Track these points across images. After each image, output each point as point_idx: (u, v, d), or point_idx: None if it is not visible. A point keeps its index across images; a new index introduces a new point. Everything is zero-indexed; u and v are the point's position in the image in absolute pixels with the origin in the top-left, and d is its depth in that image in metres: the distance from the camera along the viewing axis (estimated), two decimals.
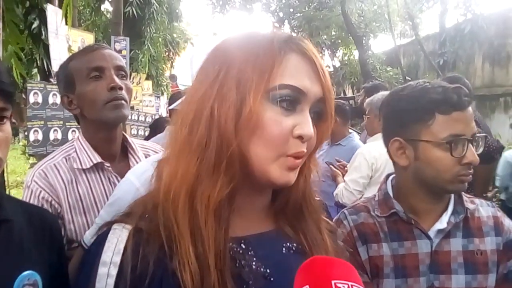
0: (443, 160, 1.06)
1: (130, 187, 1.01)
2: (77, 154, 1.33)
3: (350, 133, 3.53)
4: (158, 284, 0.64)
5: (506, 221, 1.18)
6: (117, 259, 0.65)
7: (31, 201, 1.24)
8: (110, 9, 10.82)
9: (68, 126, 3.65)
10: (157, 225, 0.67)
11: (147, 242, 0.66)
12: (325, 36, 14.52)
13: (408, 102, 1.11)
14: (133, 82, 7.36)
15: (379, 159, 2.67)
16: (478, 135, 1.10)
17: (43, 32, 4.17)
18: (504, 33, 8.23)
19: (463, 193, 1.18)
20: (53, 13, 3.88)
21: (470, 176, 1.09)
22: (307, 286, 0.57)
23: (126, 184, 1.06)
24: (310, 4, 14.33)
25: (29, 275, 0.83)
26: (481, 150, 1.13)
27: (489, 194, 3.53)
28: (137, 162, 1.35)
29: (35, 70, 6.07)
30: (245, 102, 0.65)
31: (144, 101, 8.42)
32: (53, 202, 1.26)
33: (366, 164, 2.70)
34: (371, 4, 13.64)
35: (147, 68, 12.33)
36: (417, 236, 1.12)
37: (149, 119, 6.61)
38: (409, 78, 9.98)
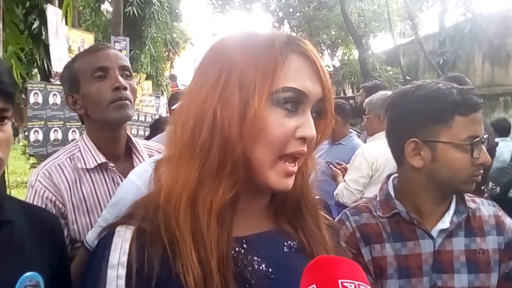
0: (460, 161, 1.06)
1: (132, 188, 1.01)
2: (81, 154, 1.33)
3: (351, 132, 3.53)
4: (163, 286, 0.64)
5: (507, 221, 1.18)
6: (124, 259, 0.65)
7: (35, 201, 1.23)
8: (110, 9, 10.82)
9: (69, 126, 3.65)
10: (159, 228, 0.67)
11: (151, 244, 0.66)
12: (324, 36, 14.52)
13: (427, 103, 1.09)
14: None
15: (379, 159, 2.67)
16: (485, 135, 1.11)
17: (43, 33, 4.17)
18: (503, 32, 8.23)
19: None
20: (53, 14, 3.89)
21: (480, 176, 1.09)
22: (314, 286, 0.57)
23: (128, 185, 1.06)
24: (310, 4, 14.33)
25: (30, 276, 0.83)
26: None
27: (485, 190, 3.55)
28: (141, 163, 1.35)
29: (35, 70, 6.07)
30: (249, 105, 0.65)
31: (144, 101, 8.43)
32: (57, 202, 1.26)
33: (366, 164, 2.70)
34: (370, 3, 13.63)
35: (149, 68, 12.33)
36: (419, 236, 1.12)
37: (149, 119, 6.61)
38: (409, 78, 9.98)
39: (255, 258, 0.71)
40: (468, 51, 9.01)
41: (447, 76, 3.11)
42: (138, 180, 1.03)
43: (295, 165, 0.70)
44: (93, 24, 12.60)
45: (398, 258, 1.10)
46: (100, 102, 1.28)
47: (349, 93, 13.95)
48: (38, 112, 3.40)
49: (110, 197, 1.29)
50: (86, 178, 1.31)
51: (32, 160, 5.71)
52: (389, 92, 3.05)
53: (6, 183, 3.91)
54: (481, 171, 1.09)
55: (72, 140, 3.31)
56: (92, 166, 1.31)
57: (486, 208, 1.19)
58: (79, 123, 1.75)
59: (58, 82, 3.55)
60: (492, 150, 3.05)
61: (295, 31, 14.37)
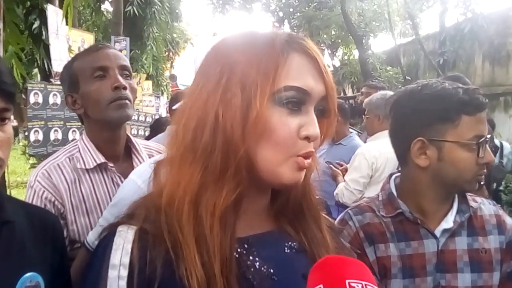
0: (466, 160, 1.07)
1: (133, 188, 1.01)
2: (80, 154, 1.32)
3: (351, 132, 3.54)
4: None
5: (508, 220, 1.19)
6: (126, 260, 0.65)
7: (34, 201, 1.23)
8: (110, 9, 10.81)
9: (69, 126, 3.65)
10: (161, 229, 0.67)
11: (154, 245, 0.65)
12: (325, 36, 14.50)
13: (433, 102, 1.09)
14: None
15: (379, 159, 2.67)
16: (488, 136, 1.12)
17: (44, 33, 4.16)
18: (504, 32, 8.22)
19: None
20: (54, 14, 3.88)
21: (483, 176, 1.10)
22: (321, 286, 0.57)
23: (129, 185, 1.06)
24: (310, 4, 14.31)
25: (31, 277, 0.83)
26: None
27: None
28: (140, 163, 1.35)
29: (35, 70, 6.06)
30: (251, 106, 0.65)
31: (144, 101, 8.41)
32: (56, 202, 1.25)
33: (366, 164, 2.71)
34: (371, 3, 13.62)
35: (151, 69, 12.32)
36: (423, 235, 1.12)
37: (149, 119, 6.60)
38: (409, 78, 9.97)
39: (257, 259, 0.70)
40: (468, 51, 8.99)
41: (446, 76, 3.11)
42: (139, 180, 1.03)
43: (308, 159, 0.69)
44: (93, 24, 12.59)
45: (403, 258, 1.11)
46: (99, 101, 1.28)
47: (349, 93, 13.94)
48: (38, 112, 3.40)
49: (110, 197, 1.29)
50: (86, 179, 1.30)
51: (32, 160, 5.71)
52: (389, 92, 3.06)
53: (6, 183, 3.90)
54: (485, 171, 1.10)
55: (73, 140, 3.31)
56: (92, 166, 1.30)
57: (487, 208, 1.19)
58: (79, 123, 1.74)
59: (58, 82, 3.54)
60: (496, 150, 3.08)
61: (295, 31, 14.36)
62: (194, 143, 0.68)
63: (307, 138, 0.68)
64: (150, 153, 1.44)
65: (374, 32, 13.40)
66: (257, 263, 0.70)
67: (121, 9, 7.79)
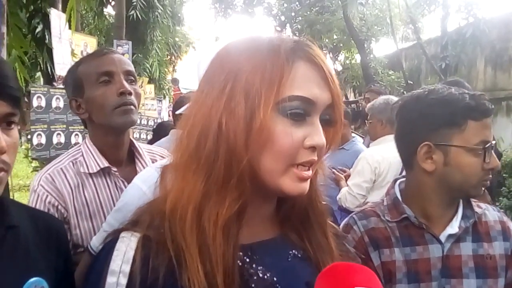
0: (472, 165, 1.07)
1: (138, 193, 1.01)
2: (84, 158, 1.32)
3: (353, 137, 3.53)
4: None
5: None
6: (127, 268, 0.64)
7: (37, 206, 1.23)
8: (113, 13, 10.83)
9: (72, 130, 3.65)
10: (165, 237, 0.66)
11: (156, 254, 0.65)
12: (327, 40, 14.50)
13: (440, 107, 1.09)
14: None
15: (382, 164, 2.67)
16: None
17: (47, 36, 4.18)
18: (506, 36, 8.21)
19: None
20: (57, 17, 3.89)
21: (488, 181, 1.10)
22: None
23: (133, 189, 1.06)
24: (312, 8, 14.34)
25: (36, 282, 0.83)
26: None
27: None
28: (143, 167, 1.35)
29: (38, 74, 6.08)
30: (255, 115, 0.64)
31: (146, 104, 8.41)
32: (59, 207, 1.25)
33: (369, 169, 2.70)
34: (373, 8, 13.63)
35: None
36: (428, 241, 1.12)
37: (151, 123, 6.61)
38: (411, 82, 9.97)
39: (260, 267, 0.70)
40: (470, 56, 8.99)
41: (446, 81, 3.11)
42: (143, 185, 1.02)
43: (309, 170, 0.69)
44: (95, 28, 12.63)
45: (407, 263, 1.11)
46: (104, 106, 1.28)
47: (351, 97, 13.94)
48: (41, 116, 3.39)
49: (113, 201, 1.29)
50: (89, 183, 1.30)
51: (35, 164, 5.70)
52: (391, 97, 3.05)
53: (9, 186, 3.91)
54: (490, 176, 1.10)
55: (75, 144, 3.31)
56: (95, 170, 1.30)
57: (491, 214, 1.20)
58: (82, 127, 1.75)
59: (61, 86, 3.56)
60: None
61: (297, 35, 14.37)
62: (197, 151, 0.67)
63: (312, 148, 0.67)
64: (153, 158, 1.44)
65: (376, 37, 13.40)
66: (260, 271, 0.69)
67: (123, 13, 7.81)
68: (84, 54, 4.27)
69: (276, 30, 15.33)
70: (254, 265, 0.70)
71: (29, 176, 8.11)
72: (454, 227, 1.13)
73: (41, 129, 3.39)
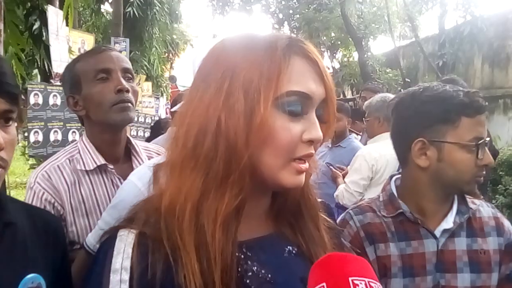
0: (465, 161, 1.09)
1: (133, 189, 1.01)
2: (80, 156, 1.32)
3: (350, 134, 3.54)
4: None
5: (506, 222, 1.21)
6: (127, 263, 0.64)
7: (34, 203, 1.23)
8: (110, 10, 10.81)
9: (69, 127, 3.65)
10: (161, 234, 0.66)
11: (153, 250, 0.65)
12: (324, 38, 14.52)
13: (434, 104, 1.11)
14: None
15: (380, 161, 2.68)
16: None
17: (44, 33, 4.17)
18: (503, 34, 8.23)
19: None
20: (54, 15, 3.89)
21: (482, 178, 1.12)
22: (324, 284, 0.57)
23: (129, 187, 1.06)
24: (310, 6, 14.32)
25: (33, 278, 0.83)
26: None
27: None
28: (140, 165, 1.35)
29: (35, 71, 6.07)
30: (255, 112, 0.64)
31: (143, 102, 8.41)
32: (56, 204, 1.25)
33: (367, 166, 2.71)
34: (370, 5, 13.65)
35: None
36: (423, 235, 1.14)
37: (148, 120, 6.61)
38: (409, 80, 9.98)
39: (255, 263, 0.70)
40: (467, 53, 9.01)
41: (442, 79, 3.12)
42: (138, 182, 1.03)
43: (305, 162, 0.70)
44: (93, 25, 12.60)
45: (403, 257, 1.12)
46: (102, 104, 1.28)
47: (349, 95, 13.96)
48: (38, 113, 3.39)
49: (109, 199, 1.29)
50: (85, 180, 1.30)
51: (32, 161, 5.70)
52: (388, 95, 3.06)
53: (6, 183, 3.91)
54: (484, 172, 1.11)
55: (72, 141, 3.31)
56: (91, 168, 1.30)
57: (485, 210, 1.21)
58: (79, 124, 1.75)
59: (59, 83, 3.55)
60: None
61: (295, 32, 14.37)
62: (195, 150, 0.67)
63: (310, 142, 0.68)
64: (149, 155, 1.44)
65: (373, 34, 13.41)
66: (255, 268, 0.70)
67: (121, 10, 7.80)
68: (82, 51, 4.26)
69: (274, 27, 15.33)
70: (249, 262, 0.70)
71: (26, 173, 8.10)
72: (449, 222, 1.14)
73: (38, 127, 3.39)
